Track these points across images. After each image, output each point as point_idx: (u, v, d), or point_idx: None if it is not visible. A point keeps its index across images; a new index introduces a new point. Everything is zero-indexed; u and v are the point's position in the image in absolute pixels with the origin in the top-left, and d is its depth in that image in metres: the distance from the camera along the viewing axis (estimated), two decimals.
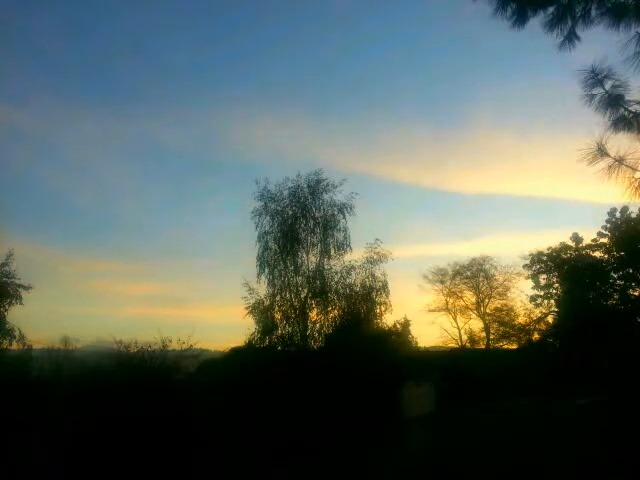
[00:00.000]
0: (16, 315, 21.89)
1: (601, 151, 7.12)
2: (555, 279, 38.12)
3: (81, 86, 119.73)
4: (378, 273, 23.19)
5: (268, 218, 23.53)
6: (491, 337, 42.93)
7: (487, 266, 44.16)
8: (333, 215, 23.58)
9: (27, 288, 22.15)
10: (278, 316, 22.60)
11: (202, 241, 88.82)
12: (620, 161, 7.09)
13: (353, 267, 23.17)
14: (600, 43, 7.40)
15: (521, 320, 41.03)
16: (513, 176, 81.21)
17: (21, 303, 21.95)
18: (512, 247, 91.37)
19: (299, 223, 23.50)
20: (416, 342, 36.02)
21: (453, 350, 40.80)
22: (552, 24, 7.08)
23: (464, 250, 76.12)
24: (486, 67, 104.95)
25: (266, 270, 23.08)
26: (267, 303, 22.59)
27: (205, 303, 71.90)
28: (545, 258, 38.03)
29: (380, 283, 23.06)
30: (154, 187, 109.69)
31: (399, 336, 31.02)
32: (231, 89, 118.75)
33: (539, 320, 39.17)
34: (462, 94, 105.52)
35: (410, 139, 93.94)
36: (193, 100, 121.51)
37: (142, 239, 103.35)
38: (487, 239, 73.48)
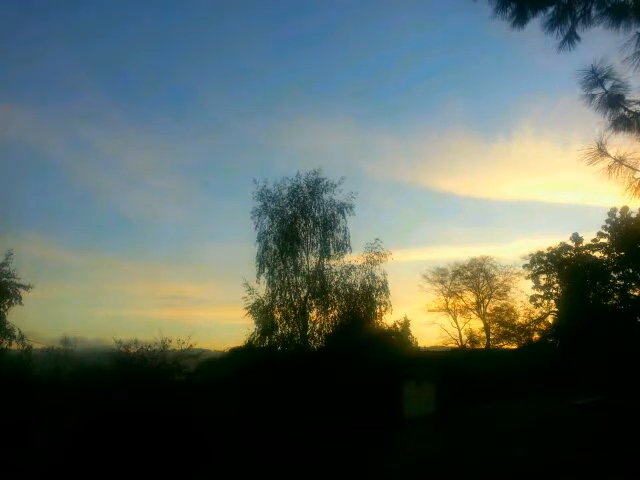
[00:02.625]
0: (16, 315, 21.91)
1: (601, 151, 7.11)
2: (555, 279, 38.12)
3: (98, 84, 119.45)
4: (378, 273, 23.23)
5: (267, 218, 23.57)
6: (491, 337, 42.93)
7: (487, 266, 44.20)
8: (333, 215, 23.60)
9: (27, 288, 22.16)
10: (278, 316, 22.62)
11: (202, 242, 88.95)
12: (620, 161, 7.08)
13: (353, 267, 23.21)
14: (600, 43, 7.40)
15: (521, 320, 41.04)
16: (547, 184, 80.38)
17: (21, 303, 21.98)
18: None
19: (299, 223, 23.50)
20: (416, 342, 36.10)
21: (453, 350, 40.79)
22: (552, 24, 7.07)
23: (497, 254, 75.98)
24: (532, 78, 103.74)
25: (266, 270, 23.12)
26: (267, 303, 22.61)
27: (205, 303, 71.98)
28: (545, 258, 38.04)
29: (380, 283, 23.10)
30: (158, 188, 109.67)
31: (399, 336, 31.07)
32: (274, 98, 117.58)
33: (539, 320, 39.18)
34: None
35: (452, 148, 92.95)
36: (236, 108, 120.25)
37: (142, 239, 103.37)
38: (517, 244, 73.45)
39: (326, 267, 23.19)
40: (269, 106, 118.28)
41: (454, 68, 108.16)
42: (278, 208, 23.49)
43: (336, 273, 23.15)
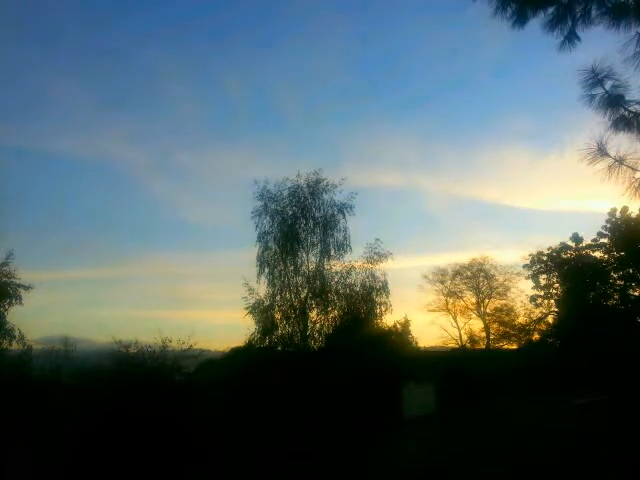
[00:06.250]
0: (16, 315, 21.90)
1: (601, 151, 7.11)
2: (555, 279, 38.10)
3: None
4: (378, 273, 23.22)
5: (268, 218, 23.55)
6: (491, 337, 42.96)
7: (487, 266, 44.25)
8: (333, 215, 23.59)
9: (27, 288, 22.13)
10: (278, 316, 22.60)
11: (202, 242, 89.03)
12: (620, 161, 7.09)
13: (353, 267, 23.21)
14: (600, 43, 7.41)
15: (521, 320, 41.06)
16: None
17: (21, 303, 21.96)
18: None
19: (299, 223, 23.50)
20: (416, 342, 36.08)
21: (453, 350, 40.80)
22: (552, 24, 7.08)
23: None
24: None
25: (266, 270, 23.09)
26: (267, 303, 22.59)
27: (205, 303, 71.99)
28: (545, 258, 38.01)
29: (380, 283, 23.08)
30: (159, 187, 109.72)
31: (399, 336, 31.05)
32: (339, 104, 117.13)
33: (539, 320, 39.14)
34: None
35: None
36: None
37: (142, 239, 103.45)
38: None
39: (326, 267, 23.22)
40: (333, 111, 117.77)
41: (515, 84, 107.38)
42: (278, 208, 23.49)
43: (336, 273, 23.18)
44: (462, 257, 71.44)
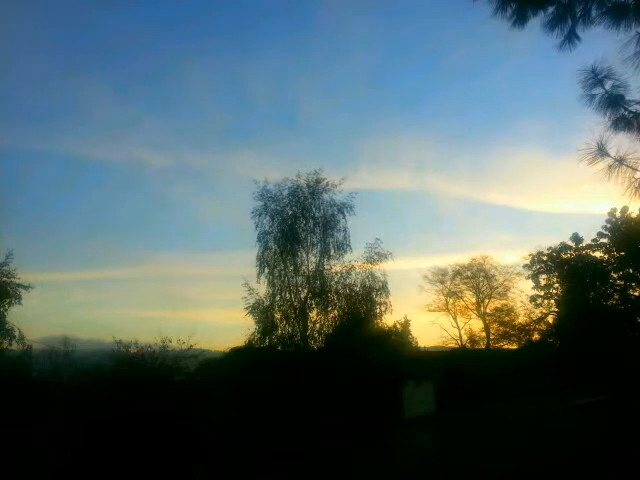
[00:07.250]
0: (16, 315, 21.88)
1: (601, 151, 7.11)
2: (555, 279, 38.11)
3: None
4: (378, 273, 23.20)
5: (268, 218, 23.51)
6: (491, 337, 42.94)
7: (487, 266, 44.23)
8: (333, 215, 23.56)
9: (27, 288, 22.12)
10: (278, 316, 22.57)
11: (202, 242, 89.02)
12: (620, 161, 7.08)
13: (353, 267, 23.19)
14: (600, 43, 7.41)
15: (521, 320, 41.08)
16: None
17: (21, 303, 21.94)
18: None
19: (299, 223, 23.47)
20: (416, 342, 36.14)
21: (453, 350, 40.79)
22: (552, 24, 7.07)
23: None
24: None
25: (266, 270, 23.05)
26: (267, 303, 22.56)
27: (205, 303, 71.99)
28: (545, 258, 38.02)
29: (380, 283, 23.05)
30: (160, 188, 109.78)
31: (399, 336, 31.06)
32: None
33: (539, 320, 39.15)
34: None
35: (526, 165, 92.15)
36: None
37: (142, 239, 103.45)
38: None
39: (326, 267, 23.18)
40: (337, 111, 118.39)
41: (528, 88, 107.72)
42: (278, 208, 23.46)
43: (336, 273, 23.14)
44: (462, 257, 72.00)
